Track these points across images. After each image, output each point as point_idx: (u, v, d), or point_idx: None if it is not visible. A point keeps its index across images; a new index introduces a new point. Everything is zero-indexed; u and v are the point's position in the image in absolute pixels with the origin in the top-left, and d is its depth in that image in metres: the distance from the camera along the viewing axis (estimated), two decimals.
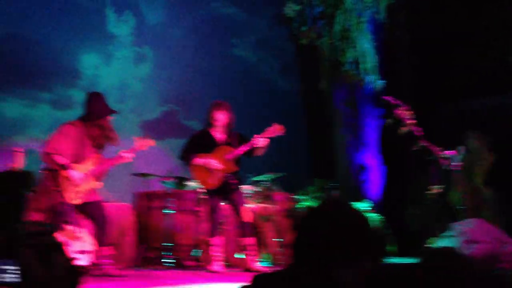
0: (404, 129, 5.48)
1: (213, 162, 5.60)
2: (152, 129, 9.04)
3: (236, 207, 5.66)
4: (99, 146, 5.12)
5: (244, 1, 10.18)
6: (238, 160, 5.70)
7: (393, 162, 8.12)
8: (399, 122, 5.54)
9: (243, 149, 5.59)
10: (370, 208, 7.01)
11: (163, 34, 9.89)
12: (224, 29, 10.07)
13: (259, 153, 5.65)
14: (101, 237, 4.96)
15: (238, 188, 5.73)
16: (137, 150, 5.25)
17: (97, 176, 5.10)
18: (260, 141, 5.53)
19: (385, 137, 8.23)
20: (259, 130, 5.61)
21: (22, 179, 1.93)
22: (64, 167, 4.85)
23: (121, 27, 9.90)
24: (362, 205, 6.91)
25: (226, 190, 5.63)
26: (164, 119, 9.67)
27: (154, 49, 9.85)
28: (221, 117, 5.67)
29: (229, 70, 9.75)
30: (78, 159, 4.97)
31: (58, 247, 2.02)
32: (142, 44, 9.88)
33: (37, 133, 9.00)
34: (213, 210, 5.65)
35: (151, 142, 5.34)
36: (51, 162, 4.87)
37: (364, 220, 1.83)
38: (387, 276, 1.88)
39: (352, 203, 2.46)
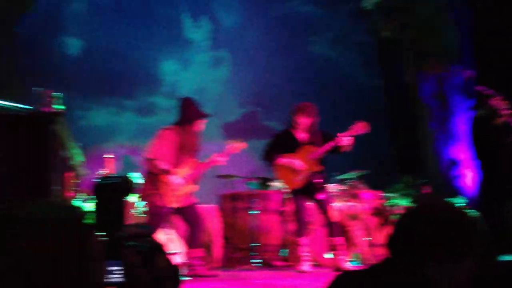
0: (500, 120, 5.15)
1: (297, 162, 5.53)
2: (233, 131, 9.12)
3: (322, 206, 5.55)
4: (194, 150, 5.20)
5: None
6: (322, 159, 5.58)
7: (488, 155, 7.67)
8: (494, 113, 5.20)
9: (326, 148, 5.47)
10: (465, 204, 6.67)
11: (240, 36, 9.96)
12: (301, 27, 9.98)
13: (344, 150, 5.51)
14: (193, 239, 5.02)
15: (323, 187, 5.61)
16: (231, 153, 5.28)
17: (194, 180, 5.17)
18: (344, 140, 5.38)
19: (477, 129, 7.80)
20: (341, 127, 5.46)
21: (121, 183, 1.98)
22: (165, 172, 4.96)
23: (197, 32, 10.08)
24: (456, 201, 6.59)
25: (311, 190, 5.53)
26: (244, 120, 9.73)
27: (231, 52, 9.94)
28: (304, 121, 5.57)
29: (307, 68, 9.64)
30: (176, 163, 5.06)
31: (160, 249, 2.03)
32: (219, 47, 10.00)
33: (123, 140, 9.32)
34: (299, 210, 5.57)
35: (243, 145, 5.37)
36: (152, 167, 4.99)
37: (461, 217, 1.72)
38: (496, 275, 1.75)
39: (448, 199, 2.33)
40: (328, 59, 10.08)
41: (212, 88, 9.83)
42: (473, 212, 6.57)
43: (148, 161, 5.00)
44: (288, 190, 5.74)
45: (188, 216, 5.07)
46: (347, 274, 1.74)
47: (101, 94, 9.50)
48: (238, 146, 5.33)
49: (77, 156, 5.21)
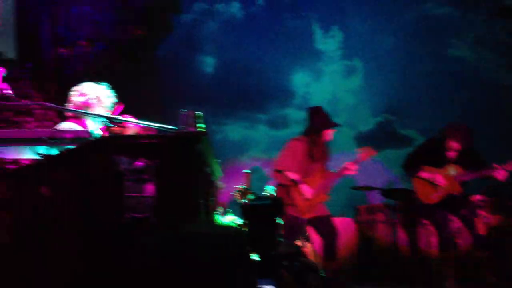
0: None
1: (440, 179, 5.25)
2: (368, 140, 8.93)
3: (467, 220, 5.22)
4: (324, 160, 5.16)
5: None
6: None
7: None
8: None
9: (476, 175, 5.16)
10: None
11: (372, 43, 9.77)
12: (437, 30, 9.55)
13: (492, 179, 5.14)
14: (328, 252, 4.96)
15: (466, 201, 5.29)
16: (361, 161, 5.15)
17: (325, 190, 5.13)
18: (500, 174, 5.01)
19: None
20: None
21: (273, 204, 2.01)
22: (295, 182, 4.98)
23: (328, 42, 10.07)
24: None
25: (453, 204, 5.24)
26: (379, 129, 9.50)
27: (363, 60, 9.79)
28: (456, 146, 5.28)
29: (445, 73, 9.19)
30: (306, 173, 5.06)
31: (312, 268, 2.02)
32: (351, 56, 9.90)
33: (257, 153, 9.53)
34: (442, 224, 5.28)
35: (373, 152, 5.22)
36: (282, 179, 5.03)
37: None
38: None
39: None
40: (467, 62, 9.52)
41: (345, 98, 9.73)
42: None
43: (276, 172, 5.03)
44: (427, 203, 5.48)
45: (322, 227, 5.02)
46: None
47: (234, 108, 9.82)
48: (368, 153, 5.18)
49: (217, 172, 5.40)
